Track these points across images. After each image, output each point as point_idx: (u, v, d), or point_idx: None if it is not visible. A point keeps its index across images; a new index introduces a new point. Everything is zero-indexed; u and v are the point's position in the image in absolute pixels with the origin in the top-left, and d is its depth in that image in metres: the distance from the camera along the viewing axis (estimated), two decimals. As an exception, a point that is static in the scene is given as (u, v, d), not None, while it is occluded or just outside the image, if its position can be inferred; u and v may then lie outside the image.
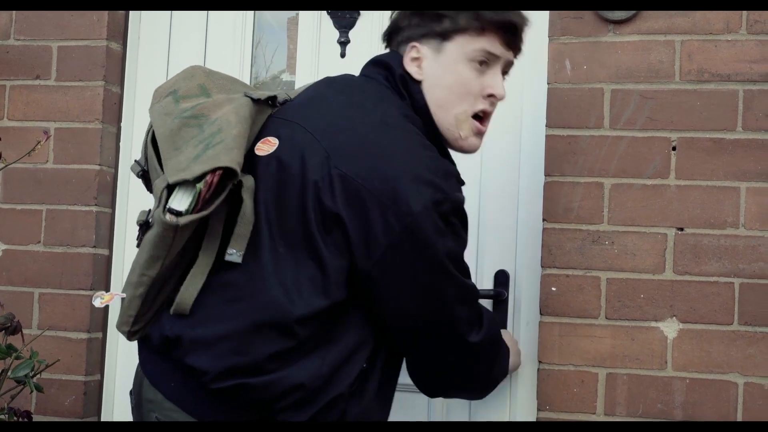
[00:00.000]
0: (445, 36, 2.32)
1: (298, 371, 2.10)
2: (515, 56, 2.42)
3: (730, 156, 2.70)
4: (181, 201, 2.04)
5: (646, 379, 2.71)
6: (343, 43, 3.16)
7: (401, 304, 2.16)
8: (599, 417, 2.72)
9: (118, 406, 3.17)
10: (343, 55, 3.15)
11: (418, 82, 2.33)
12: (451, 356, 2.27)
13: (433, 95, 2.33)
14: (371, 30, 3.15)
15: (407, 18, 2.38)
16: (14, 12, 3.22)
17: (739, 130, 2.70)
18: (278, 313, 2.09)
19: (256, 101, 2.27)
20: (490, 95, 2.36)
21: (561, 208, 2.78)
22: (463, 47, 2.32)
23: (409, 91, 2.32)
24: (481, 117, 2.38)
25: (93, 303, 2.32)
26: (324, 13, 3.20)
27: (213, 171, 2.03)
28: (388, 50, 2.45)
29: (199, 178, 2.03)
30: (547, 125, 2.82)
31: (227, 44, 3.27)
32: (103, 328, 3.16)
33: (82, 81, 3.18)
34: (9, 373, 2.68)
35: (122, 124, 3.24)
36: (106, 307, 3.13)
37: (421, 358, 2.30)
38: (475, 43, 2.32)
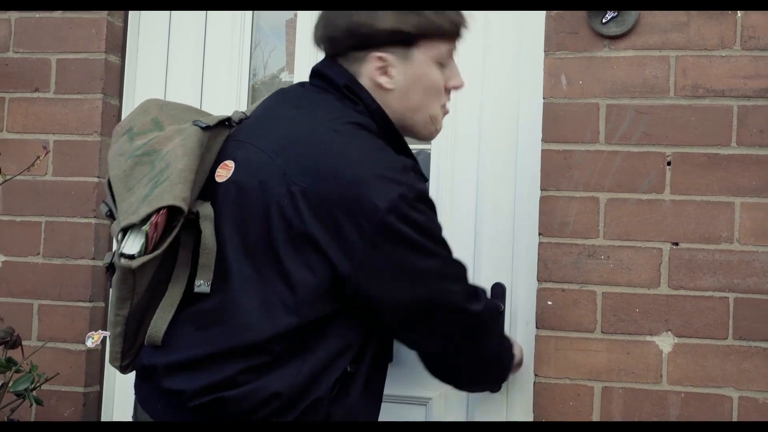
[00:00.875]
0: (411, 43, 2.30)
1: (275, 380, 2.11)
2: None
3: (725, 171, 2.72)
4: (132, 244, 2.06)
5: (642, 393, 2.73)
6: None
7: (395, 298, 2.17)
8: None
9: (117, 418, 3.19)
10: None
11: (388, 90, 2.31)
12: (458, 335, 2.29)
13: (407, 101, 2.33)
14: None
15: (351, 23, 2.30)
16: (13, 24, 3.24)
17: (734, 146, 2.72)
18: (250, 336, 2.11)
19: (204, 128, 2.25)
20: (453, 88, 2.40)
21: (557, 222, 2.81)
22: (430, 53, 2.32)
23: (357, 95, 2.30)
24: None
25: (86, 343, 2.43)
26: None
27: (157, 211, 2.05)
28: (324, 59, 2.40)
29: (145, 220, 2.05)
30: (543, 140, 2.84)
31: (224, 56, 3.29)
32: (103, 340, 3.18)
33: (80, 94, 3.20)
34: (9, 387, 2.71)
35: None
36: (105, 319, 3.15)
37: (431, 347, 2.31)
38: (441, 47, 2.34)
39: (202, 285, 2.14)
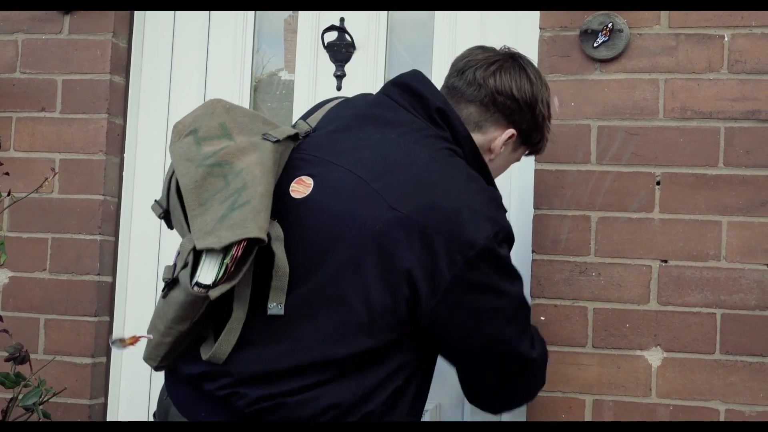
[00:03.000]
0: (526, 143, 2.52)
1: (336, 391, 2.13)
2: None
3: (712, 191, 2.80)
4: (208, 272, 2.01)
5: (631, 406, 2.80)
6: (339, 76, 3.25)
7: (467, 333, 2.21)
8: (586, 442, 2.82)
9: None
10: (338, 88, 3.24)
11: (490, 158, 2.45)
12: (511, 374, 2.35)
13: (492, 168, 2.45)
14: (366, 64, 3.24)
15: (512, 89, 2.43)
16: (20, 46, 3.31)
17: (721, 166, 2.80)
18: (321, 356, 2.12)
19: (275, 142, 2.22)
20: None
21: (549, 240, 2.88)
22: (518, 156, 2.58)
23: (449, 123, 2.33)
24: None
25: (112, 347, 2.30)
26: (322, 13, 3.30)
27: (239, 242, 2.00)
28: (415, 71, 2.44)
29: (226, 248, 2.01)
30: (536, 160, 2.91)
31: (227, 71, 3.37)
32: (107, 353, 3.25)
33: (86, 113, 3.27)
34: (18, 402, 2.77)
35: (125, 155, 3.33)
36: (110, 333, 3.22)
37: (482, 379, 2.37)
38: (521, 157, 2.61)
39: (275, 307, 2.12)
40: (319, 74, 3.29)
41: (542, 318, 2.86)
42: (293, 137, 2.31)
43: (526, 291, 2.85)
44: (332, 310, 2.13)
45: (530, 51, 2.98)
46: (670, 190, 2.83)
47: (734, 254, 2.78)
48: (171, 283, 2.11)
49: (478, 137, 2.40)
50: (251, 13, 3.36)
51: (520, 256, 2.97)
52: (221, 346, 2.13)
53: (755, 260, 2.76)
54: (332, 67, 3.27)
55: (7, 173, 2.93)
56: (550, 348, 2.82)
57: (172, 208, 2.21)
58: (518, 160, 2.59)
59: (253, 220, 2.02)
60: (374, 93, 2.47)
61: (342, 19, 3.26)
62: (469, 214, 2.14)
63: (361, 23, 3.26)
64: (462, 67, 2.46)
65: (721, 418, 2.75)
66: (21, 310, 3.23)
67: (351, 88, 3.22)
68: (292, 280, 2.14)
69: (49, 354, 3.17)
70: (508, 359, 2.30)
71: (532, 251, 2.90)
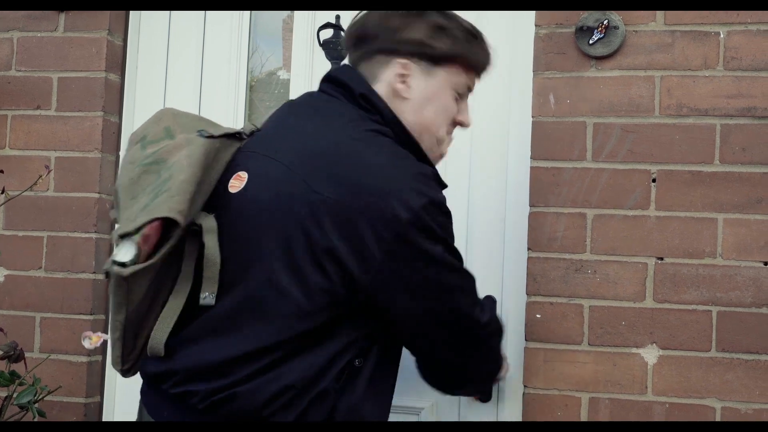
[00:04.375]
0: (437, 61, 2.35)
1: (287, 374, 2.14)
2: None
3: (708, 188, 2.80)
4: (125, 253, 2.06)
5: (627, 404, 2.80)
6: (335, 74, 3.24)
7: (406, 308, 2.21)
8: (582, 440, 2.82)
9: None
10: (333, 86, 3.24)
11: (404, 99, 2.35)
12: (464, 344, 2.34)
13: (420, 115, 2.36)
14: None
15: (383, 26, 2.37)
16: (16, 43, 3.31)
17: (717, 163, 2.80)
18: (265, 340, 2.14)
19: (208, 137, 2.27)
20: (460, 123, 2.46)
21: (545, 237, 2.88)
22: (452, 77, 2.38)
23: (374, 106, 2.32)
24: None
25: (83, 344, 2.39)
26: (318, 13, 3.29)
27: (150, 222, 2.06)
28: (345, 60, 2.48)
29: (139, 230, 2.06)
30: (532, 157, 2.91)
31: (222, 69, 3.37)
32: (103, 352, 3.25)
33: (81, 111, 3.27)
34: (13, 400, 2.77)
35: (121, 153, 3.32)
36: (106, 331, 3.22)
37: (435, 355, 2.36)
38: (462, 77, 2.40)
39: (207, 297, 2.16)
40: (315, 73, 3.29)
41: (538, 315, 2.86)
42: (234, 135, 2.36)
43: (522, 289, 2.87)
44: (269, 299, 2.15)
45: (526, 48, 3.00)
46: (666, 188, 2.82)
47: (730, 251, 2.78)
48: (107, 276, 2.15)
49: (381, 88, 2.35)
50: (247, 11, 3.35)
51: (516, 253, 2.99)
52: (155, 335, 2.19)
53: (751, 257, 2.76)
54: (328, 65, 3.26)
55: (1, 171, 2.93)
56: (545, 346, 2.84)
57: (115, 209, 2.27)
58: (459, 83, 2.41)
59: (165, 203, 2.08)
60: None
61: (338, 17, 3.25)
62: (394, 190, 2.13)
63: (357, 20, 3.25)
64: (344, 45, 2.49)
65: (717, 416, 2.75)
66: (16, 309, 3.23)
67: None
68: (233, 273, 2.18)
69: (44, 352, 3.16)
70: (455, 330, 2.29)
71: (528, 249, 2.89)
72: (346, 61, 2.49)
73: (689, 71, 2.84)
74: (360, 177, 2.15)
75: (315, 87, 3.17)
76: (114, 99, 3.32)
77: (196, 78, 3.37)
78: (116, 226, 2.24)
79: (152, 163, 2.21)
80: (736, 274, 2.77)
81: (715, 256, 2.78)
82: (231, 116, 3.32)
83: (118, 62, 3.34)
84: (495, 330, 2.43)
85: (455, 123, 2.45)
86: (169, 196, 2.10)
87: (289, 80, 3.38)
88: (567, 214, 2.87)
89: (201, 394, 2.15)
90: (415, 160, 2.27)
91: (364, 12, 2.42)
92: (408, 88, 2.34)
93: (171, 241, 2.12)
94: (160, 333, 2.19)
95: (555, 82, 2.91)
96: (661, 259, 2.81)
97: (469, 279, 2.32)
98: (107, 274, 2.14)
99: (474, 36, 2.41)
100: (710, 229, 2.79)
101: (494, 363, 2.53)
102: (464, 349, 2.35)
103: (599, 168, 2.86)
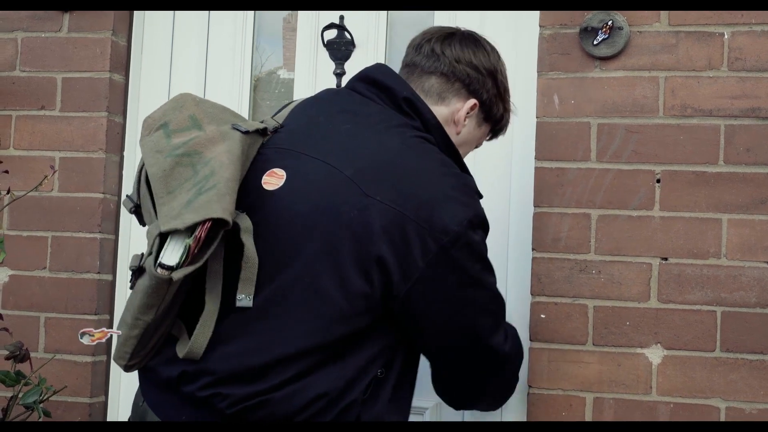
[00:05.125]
0: (488, 119, 2.52)
1: (320, 382, 2.13)
2: None
3: (712, 188, 2.80)
4: (171, 254, 2.01)
5: (632, 404, 2.81)
6: (339, 74, 3.25)
7: (439, 321, 2.22)
8: (587, 440, 2.82)
9: (121, 427, 3.26)
10: (338, 86, 3.24)
11: (456, 132, 2.46)
12: (481, 367, 2.36)
13: (455, 144, 2.44)
14: (366, 62, 3.23)
15: (475, 62, 2.46)
16: (20, 44, 3.31)
17: (721, 164, 2.80)
18: (301, 346, 2.11)
19: (245, 133, 2.23)
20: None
21: (549, 238, 2.88)
22: (482, 135, 2.58)
23: (417, 111, 2.34)
24: None
25: (81, 340, 2.24)
26: (321, 12, 3.30)
27: (203, 222, 2.00)
28: (382, 65, 2.51)
29: (190, 229, 2.00)
30: (536, 158, 2.91)
31: (227, 68, 3.38)
32: (107, 352, 3.25)
33: (86, 112, 3.27)
34: (19, 400, 2.77)
35: (125, 153, 3.33)
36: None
37: (452, 370, 2.38)
38: (485, 138, 2.63)
39: (244, 299, 2.12)
40: (319, 72, 3.30)
41: (542, 316, 2.86)
42: (261, 131, 2.32)
43: (527, 289, 2.87)
44: (309, 300, 2.13)
45: (530, 49, 3.00)
46: (670, 188, 2.83)
47: (734, 252, 2.78)
48: (137, 272, 2.10)
49: (441, 109, 2.41)
50: (251, 11, 3.36)
51: (520, 254, 2.99)
52: (197, 340, 2.13)
53: (756, 258, 2.77)
54: (332, 65, 3.27)
55: (6, 171, 2.94)
56: (550, 346, 2.84)
57: (142, 200, 2.21)
58: (480, 141, 2.59)
59: (217, 202, 2.03)
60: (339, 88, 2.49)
61: (342, 17, 3.26)
62: (443, 200, 2.16)
63: (360, 21, 3.26)
64: (419, 42, 2.49)
65: (722, 416, 2.75)
66: (21, 309, 3.23)
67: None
68: (267, 272, 2.14)
69: (49, 352, 3.17)
70: (478, 352, 2.31)
71: (532, 249, 2.90)
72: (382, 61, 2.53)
73: (693, 72, 2.84)
74: (412, 184, 2.17)
75: (318, 86, 3.21)
76: (118, 99, 3.32)
77: (199, 78, 3.37)
78: (139, 215, 2.22)
79: (184, 155, 2.15)
80: (741, 274, 2.77)
81: (720, 257, 2.79)
82: (236, 105, 3.33)
83: (122, 63, 3.34)
84: (515, 361, 2.47)
85: None
86: (219, 195, 2.05)
87: (289, 79, 3.39)
88: (571, 215, 2.88)
89: (233, 398, 2.11)
90: (458, 170, 2.31)
91: (460, 29, 2.52)
92: (464, 126, 2.45)
93: (216, 242, 2.06)
94: (202, 338, 2.14)
95: (559, 83, 2.92)
96: (666, 259, 2.81)
97: (499, 302, 2.35)
98: (137, 272, 2.10)
99: (512, 109, 2.62)
100: (714, 230, 2.80)
101: (509, 389, 2.56)
102: (483, 374, 2.38)
103: (603, 168, 2.87)
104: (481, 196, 2.31)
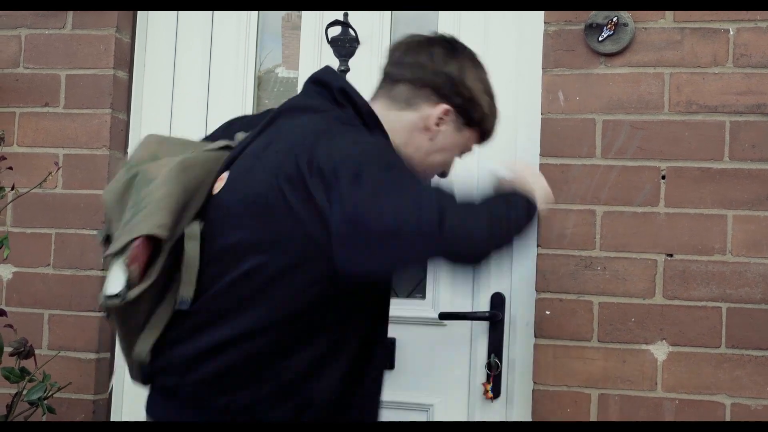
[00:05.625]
0: (469, 123, 2.41)
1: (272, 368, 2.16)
2: None
3: (718, 185, 2.80)
4: (114, 281, 2.08)
5: (637, 400, 2.81)
6: (343, 71, 3.25)
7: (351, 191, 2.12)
8: (592, 436, 2.82)
9: (125, 424, 3.27)
10: (343, 83, 3.24)
11: (429, 139, 2.38)
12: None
13: (429, 156, 2.39)
14: (370, 58, 3.24)
15: (443, 66, 2.40)
16: (23, 41, 3.31)
17: (726, 160, 2.80)
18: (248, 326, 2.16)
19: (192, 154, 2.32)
20: (443, 174, 2.49)
21: (554, 234, 2.88)
22: (468, 141, 2.45)
23: (351, 100, 2.33)
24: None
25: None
26: (325, 12, 3.30)
27: (132, 241, 2.07)
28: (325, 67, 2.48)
29: (123, 250, 2.07)
30: (541, 154, 2.92)
31: (230, 63, 3.38)
32: (111, 349, 3.25)
33: (89, 108, 3.27)
34: (23, 396, 2.77)
35: (129, 151, 3.33)
36: (114, 329, 3.22)
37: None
38: (472, 143, 2.48)
39: (183, 303, 2.16)
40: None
41: (547, 312, 2.86)
42: (226, 147, 2.38)
43: (532, 285, 2.87)
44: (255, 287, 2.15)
45: (535, 45, 3.01)
46: (676, 184, 2.83)
47: (740, 248, 2.78)
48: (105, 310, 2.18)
49: (411, 115, 2.37)
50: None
51: (526, 250, 2.98)
52: (140, 347, 2.21)
53: (761, 254, 2.77)
54: (336, 62, 3.27)
55: (10, 168, 2.93)
56: (555, 342, 2.87)
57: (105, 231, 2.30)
58: (469, 146, 2.48)
59: (146, 221, 2.09)
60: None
61: (346, 14, 3.26)
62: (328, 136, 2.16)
63: (364, 18, 3.26)
64: (390, 51, 2.49)
65: (727, 412, 2.75)
66: (25, 306, 3.23)
67: (355, 83, 3.22)
68: (212, 272, 2.18)
69: (53, 349, 3.16)
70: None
71: (537, 245, 2.90)
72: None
73: (699, 68, 2.85)
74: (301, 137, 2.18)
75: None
76: (122, 96, 3.32)
77: (203, 75, 3.37)
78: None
79: (132, 178, 2.23)
80: (746, 270, 2.78)
81: (725, 253, 2.79)
82: (239, 112, 3.32)
83: (126, 59, 3.34)
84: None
85: (439, 172, 2.49)
86: (148, 213, 2.11)
87: (287, 78, 3.40)
88: (576, 211, 2.88)
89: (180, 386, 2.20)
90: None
91: (430, 36, 2.47)
92: (438, 132, 2.38)
93: (162, 256, 2.12)
94: (144, 345, 2.20)
95: (564, 79, 2.92)
96: (671, 255, 2.82)
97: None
98: (105, 310, 2.16)
99: (496, 111, 2.49)
100: (720, 226, 2.80)
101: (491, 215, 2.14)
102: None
103: (608, 165, 2.87)
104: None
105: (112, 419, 3.28)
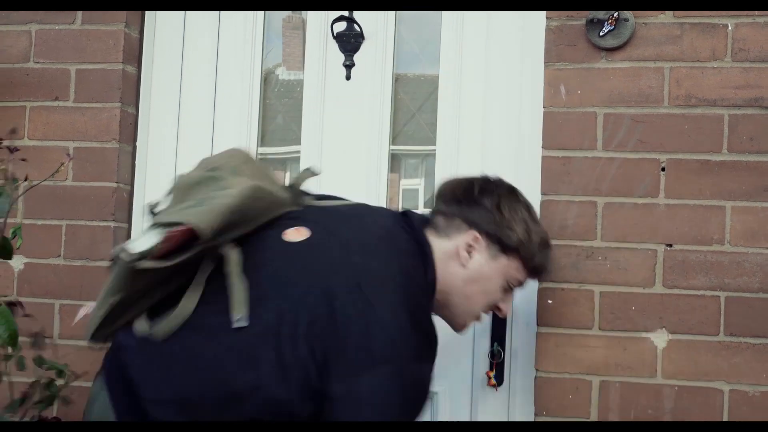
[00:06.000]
0: (504, 249, 2.53)
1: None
2: None
3: (716, 176, 2.86)
4: (140, 243, 2.17)
5: (637, 387, 2.87)
6: (348, 66, 3.30)
7: None
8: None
9: (135, 412, 3.31)
10: (348, 77, 3.30)
11: (462, 266, 2.50)
12: None
13: (467, 287, 2.53)
14: (374, 53, 3.29)
15: (481, 201, 2.54)
16: (34, 36, 3.36)
17: (725, 152, 2.86)
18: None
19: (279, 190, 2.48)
20: (497, 309, 2.63)
21: (556, 225, 2.94)
22: (510, 270, 2.56)
23: (427, 265, 2.42)
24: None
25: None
26: (330, 12, 3.35)
27: (179, 224, 2.18)
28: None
29: (168, 225, 2.18)
30: (543, 147, 2.97)
31: (237, 62, 3.43)
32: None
33: (99, 102, 3.32)
34: (40, 385, 2.83)
35: (137, 144, 3.39)
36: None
37: None
38: (520, 273, 2.59)
39: (241, 320, 2.22)
40: (329, 64, 3.35)
41: (549, 301, 2.92)
42: (296, 192, 2.55)
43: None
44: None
45: (537, 40, 3.06)
46: (675, 176, 2.89)
47: (738, 238, 2.84)
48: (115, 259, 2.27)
49: (445, 243, 2.51)
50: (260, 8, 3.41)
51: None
52: (164, 325, 2.25)
53: (759, 244, 2.83)
54: (339, 62, 3.32)
55: (23, 159, 2.98)
56: (557, 330, 2.93)
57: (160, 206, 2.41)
58: (515, 276, 2.59)
59: (202, 216, 2.20)
60: None
61: (351, 10, 3.31)
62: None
63: (369, 13, 3.31)
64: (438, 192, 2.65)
65: (725, 399, 2.81)
66: (36, 296, 3.28)
67: (360, 78, 3.28)
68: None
69: (64, 339, 3.22)
70: None
71: (540, 236, 2.95)
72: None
73: (698, 62, 2.90)
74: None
75: (326, 86, 3.27)
76: (131, 90, 3.38)
77: (210, 70, 3.43)
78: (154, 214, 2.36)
79: (210, 179, 2.35)
80: (744, 260, 2.83)
81: (723, 243, 2.85)
82: (246, 106, 3.39)
83: (134, 54, 3.39)
84: None
85: (494, 307, 2.62)
86: (206, 211, 2.21)
87: (290, 80, 3.45)
88: (578, 203, 2.94)
89: None
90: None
91: (473, 176, 2.63)
92: (469, 259, 2.51)
93: (190, 252, 2.21)
94: (167, 327, 2.26)
95: (566, 73, 2.97)
96: (671, 245, 2.87)
97: None
98: (114, 258, 2.26)
99: (546, 245, 2.63)
100: (718, 217, 2.86)
101: None
102: None
103: (609, 157, 2.93)
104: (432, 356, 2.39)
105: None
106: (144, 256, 2.16)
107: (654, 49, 2.92)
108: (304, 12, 3.42)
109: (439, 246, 2.49)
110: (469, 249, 2.51)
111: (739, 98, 2.87)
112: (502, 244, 2.53)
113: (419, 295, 2.35)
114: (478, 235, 2.51)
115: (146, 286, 2.27)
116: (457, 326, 2.62)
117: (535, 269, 2.62)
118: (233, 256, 2.27)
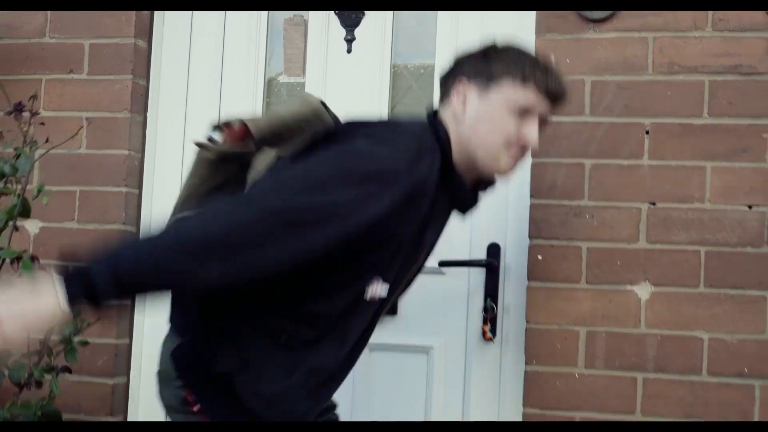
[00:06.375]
0: (491, 79, 2.34)
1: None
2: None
3: (697, 139, 3.02)
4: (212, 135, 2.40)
5: (622, 336, 3.02)
6: (349, 40, 3.44)
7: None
8: (580, 369, 3.03)
9: (144, 370, 3.48)
10: (349, 51, 3.44)
11: (460, 121, 2.35)
12: None
13: (474, 133, 2.34)
14: (374, 28, 3.44)
15: (458, 58, 2.45)
16: (49, 12, 3.51)
17: (705, 116, 3.02)
18: None
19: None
20: (522, 140, 2.35)
21: (546, 185, 3.10)
22: (505, 96, 2.33)
23: (432, 123, 2.37)
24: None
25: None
26: (332, 13, 3.48)
27: (238, 121, 2.34)
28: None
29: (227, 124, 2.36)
30: (534, 113, 3.11)
31: (242, 38, 3.58)
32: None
33: (111, 75, 3.47)
34: (54, 332, 2.95)
35: (148, 114, 3.55)
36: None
37: None
38: (518, 93, 2.33)
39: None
40: (329, 70, 3.51)
41: (540, 257, 3.07)
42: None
43: (525, 232, 3.08)
44: None
45: (529, 12, 3.19)
46: (658, 139, 3.04)
47: (717, 197, 3.00)
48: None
49: (448, 112, 2.39)
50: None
51: (519, 201, 3.18)
52: None
53: (737, 202, 2.98)
54: (340, 62, 3.48)
55: (42, 123, 3.12)
56: (546, 285, 3.07)
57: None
58: (518, 101, 2.32)
59: (255, 119, 2.38)
60: None
61: (351, 10, 3.46)
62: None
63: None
64: None
65: (705, 347, 2.96)
66: (50, 258, 3.38)
67: (360, 51, 3.43)
68: None
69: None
70: None
71: (531, 196, 3.12)
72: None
73: (680, 32, 3.06)
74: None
75: (327, 86, 3.41)
76: (142, 63, 3.53)
77: (218, 44, 3.58)
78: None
79: (300, 108, 2.42)
80: (723, 217, 2.99)
81: (704, 201, 3.00)
82: (252, 82, 3.55)
83: (146, 30, 3.54)
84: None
85: (518, 141, 2.35)
86: (261, 118, 2.39)
87: (289, 81, 3.61)
88: (566, 164, 3.09)
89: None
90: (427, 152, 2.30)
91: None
92: (464, 111, 2.35)
93: (240, 145, 2.35)
94: None
95: (556, 44, 3.13)
96: (654, 204, 3.03)
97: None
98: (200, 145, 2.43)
99: (541, 64, 2.39)
100: (699, 177, 3.01)
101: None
102: None
103: (596, 122, 3.08)
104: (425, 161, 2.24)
105: (132, 363, 3.49)
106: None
107: (639, 20, 3.08)
108: (300, 14, 3.57)
109: (444, 115, 2.39)
110: (462, 98, 2.35)
111: (719, 65, 3.02)
112: (487, 75, 2.33)
113: (427, 148, 2.26)
114: (464, 78, 2.37)
115: (209, 173, 2.41)
116: (490, 170, 2.37)
117: (527, 80, 2.32)
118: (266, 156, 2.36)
